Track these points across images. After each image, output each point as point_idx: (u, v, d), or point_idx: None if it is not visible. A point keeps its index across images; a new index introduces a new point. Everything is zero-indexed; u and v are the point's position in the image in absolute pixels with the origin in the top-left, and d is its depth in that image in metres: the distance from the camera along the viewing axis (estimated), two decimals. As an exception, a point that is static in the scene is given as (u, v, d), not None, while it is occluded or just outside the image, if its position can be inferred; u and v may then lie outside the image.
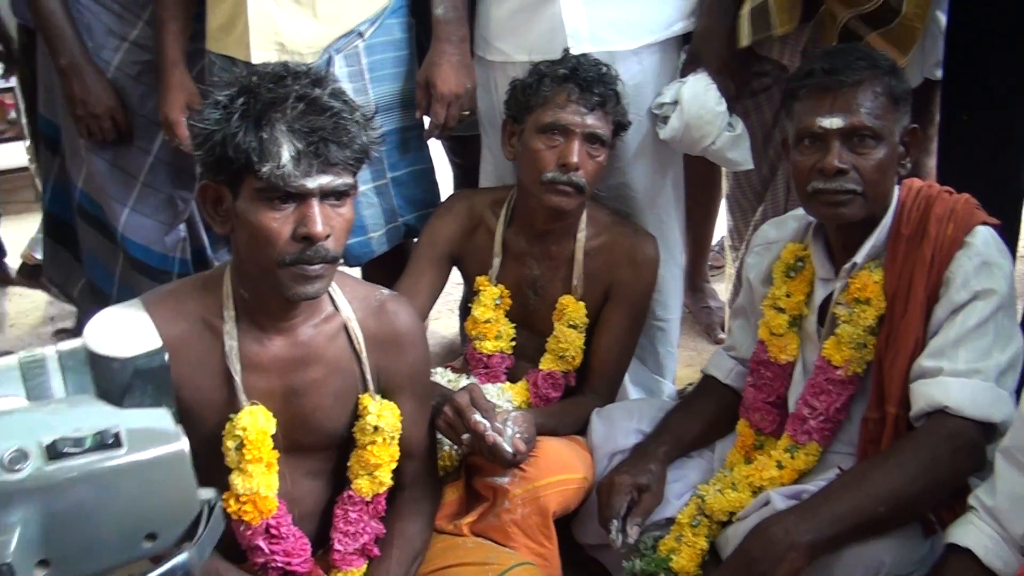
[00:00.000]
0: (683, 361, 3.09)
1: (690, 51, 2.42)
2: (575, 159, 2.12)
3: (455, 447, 2.08)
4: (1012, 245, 2.55)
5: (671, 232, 2.53)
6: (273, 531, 1.72)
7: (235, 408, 1.68)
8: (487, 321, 2.33)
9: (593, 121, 2.15)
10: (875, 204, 1.85)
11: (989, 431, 1.71)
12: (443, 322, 3.62)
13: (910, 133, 1.89)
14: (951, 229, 1.82)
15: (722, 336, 3.24)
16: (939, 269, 1.81)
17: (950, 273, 1.80)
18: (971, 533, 1.59)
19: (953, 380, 1.72)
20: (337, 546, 1.80)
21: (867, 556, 1.68)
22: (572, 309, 2.30)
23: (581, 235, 2.30)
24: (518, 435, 1.94)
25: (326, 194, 1.56)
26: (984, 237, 1.81)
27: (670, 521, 1.99)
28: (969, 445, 1.69)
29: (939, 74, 2.45)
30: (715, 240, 3.64)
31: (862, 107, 1.80)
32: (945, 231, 1.83)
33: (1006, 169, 2.51)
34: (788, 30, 2.31)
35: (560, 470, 2.01)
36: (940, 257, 1.82)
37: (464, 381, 2.25)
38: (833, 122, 1.81)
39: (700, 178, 3.05)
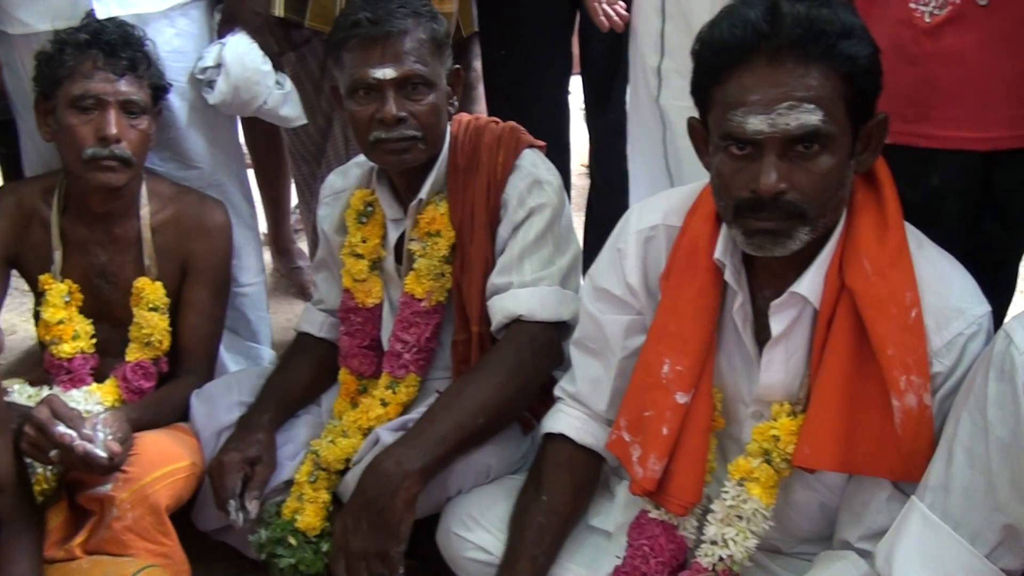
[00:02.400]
0: (284, 325, 3.06)
1: (224, 11, 2.35)
2: (114, 130, 2.00)
3: (48, 468, 1.91)
4: (562, 164, 2.80)
5: (236, 196, 2.47)
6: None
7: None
8: (60, 322, 2.15)
9: (126, 88, 2.04)
10: (436, 146, 1.93)
11: (563, 329, 1.86)
12: (19, 336, 3.28)
13: (454, 74, 1.98)
14: (502, 156, 1.94)
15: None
16: (496, 193, 1.93)
17: (506, 196, 1.92)
18: (561, 419, 1.73)
19: (522, 291, 1.85)
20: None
21: (475, 464, 1.79)
22: (149, 291, 2.18)
23: (144, 211, 2.18)
24: (110, 437, 1.82)
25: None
26: (532, 159, 1.95)
27: (289, 484, 1.97)
28: (547, 345, 1.83)
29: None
30: (295, 201, 3.62)
31: (411, 56, 1.85)
32: (496, 158, 1.94)
33: (547, 93, 2.74)
34: (319, 26, 2.32)
35: (164, 462, 1.91)
36: (495, 182, 1.93)
37: (46, 393, 2.06)
38: (386, 73, 1.84)
39: (261, 139, 3.01)
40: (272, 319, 2.80)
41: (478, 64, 2.75)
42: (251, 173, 2.92)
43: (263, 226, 3.42)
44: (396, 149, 1.87)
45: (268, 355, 2.61)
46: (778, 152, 1.38)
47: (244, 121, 2.80)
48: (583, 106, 3.00)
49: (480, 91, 2.78)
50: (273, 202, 3.29)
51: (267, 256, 3.51)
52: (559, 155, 2.77)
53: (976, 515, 1.23)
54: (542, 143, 2.03)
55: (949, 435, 1.31)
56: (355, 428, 1.97)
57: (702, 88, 1.46)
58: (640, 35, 2.25)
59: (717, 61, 1.42)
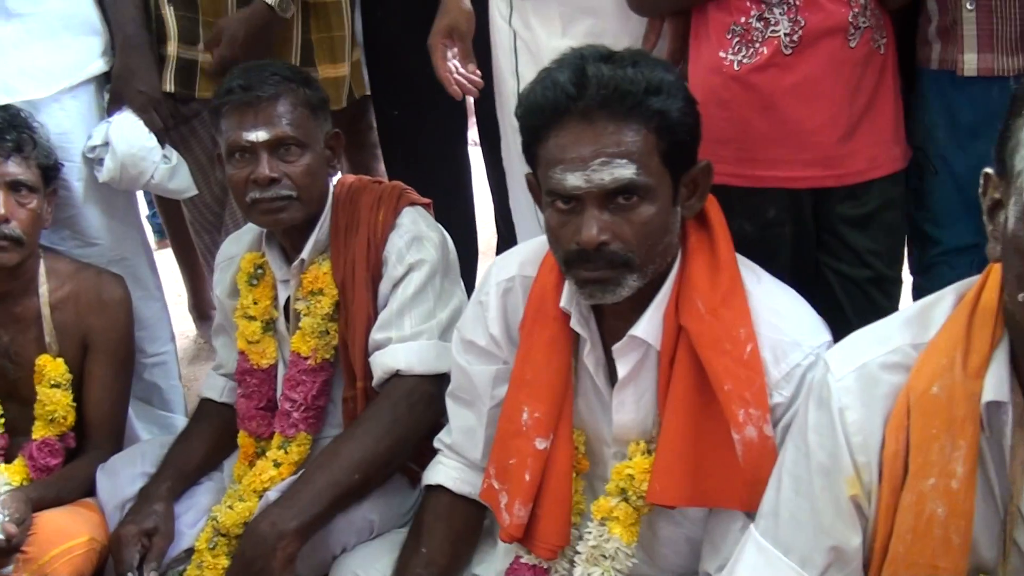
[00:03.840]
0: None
1: (112, 90, 2.41)
2: (2, 210, 2.04)
3: None
4: (466, 216, 2.87)
5: (140, 268, 2.52)
6: None
7: None
8: (-33, 406, 2.18)
9: (13, 168, 2.09)
10: (311, 205, 1.98)
11: (442, 381, 1.90)
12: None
13: (333, 137, 2.04)
14: (382, 214, 2.00)
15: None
16: (376, 251, 1.98)
17: (386, 253, 1.97)
18: (439, 471, 1.77)
19: (400, 346, 1.90)
20: None
21: (357, 520, 1.83)
22: (51, 368, 2.20)
23: (43, 289, 2.21)
24: (8, 519, 1.85)
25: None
26: (412, 216, 2.01)
27: (191, 552, 2.00)
28: (425, 398, 1.87)
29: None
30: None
31: (283, 119, 1.92)
32: (376, 217, 2.00)
33: (444, 149, 2.81)
34: (210, 97, 2.39)
35: (62, 539, 1.94)
36: (375, 240, 1.99)
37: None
38: (258, 135, 1.90)
39: (171, 209, 3.06)
40: (196, 386, 2.83)
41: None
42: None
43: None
44: (271, 208, 1.93)
45: (182, 423, 2.63)
46: (598, 205, 1.44)
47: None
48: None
49: (379, 150, 2.85)
50: (189, 269, 3.33)
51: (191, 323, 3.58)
52: (462, 208, 2.85)
53: (804, 539, 1.28)
54: (427, 200, 2.09)
55: (779, 463, 1.36)
56: (250, 491, 2.00)
57: (528, 147, 1.53)
58: (503, 95, 2.32)
59: (535, 122, 1.49)
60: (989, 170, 1.17)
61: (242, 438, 2.13)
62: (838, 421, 1.24)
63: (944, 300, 1.28)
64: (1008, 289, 1.13)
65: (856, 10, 1.84)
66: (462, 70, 2.27)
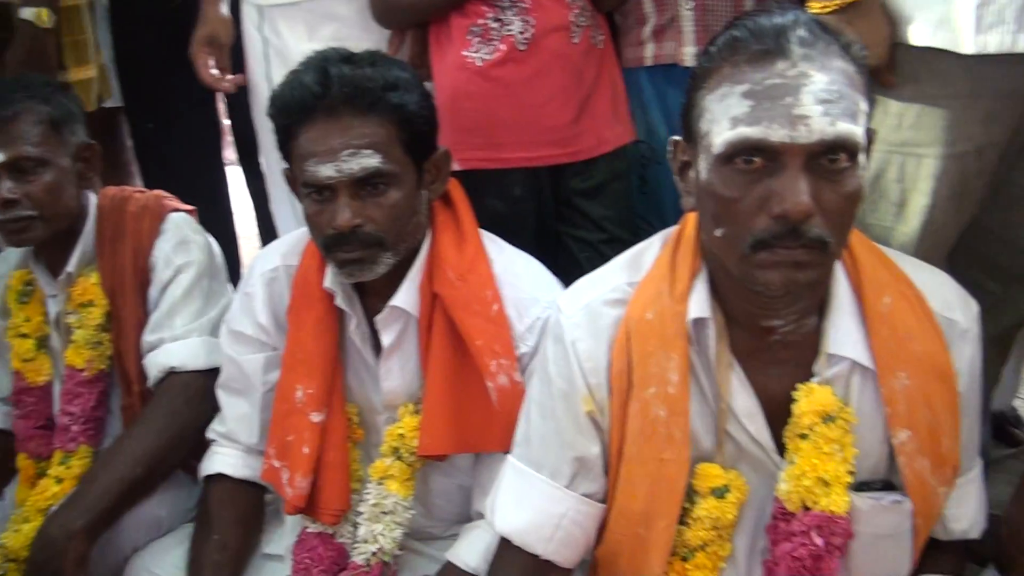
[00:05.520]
0: None
1: None
2: None
3: None
4: (226, 227, 2.93)
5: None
6: None
7: None
8: None
9: None
10: (57, 221, 1.97)
11: (216, 376, 1.93)
12: None
13: (87, 149, 2.05)
14: (147, 222, 2.04)
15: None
16: (144, 257, 2.02)
17: (153, 258, 2.01)
18: (217, 460, 1.84)
19: (173, 344, 1.95)
20: None
21: (145, 517, 1.87)
22: None
23: None
24: None
25: None
26: (176, 221, 2.06)
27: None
28: (201, 392, 1.92)
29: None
30: None
31: (23, 139, 1.91)
32: (142, 225, 2.04)
33: (200, 162, 2.86)
34: None
35: None
36: (142, 248, 2.02)
37: None
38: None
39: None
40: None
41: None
42: None
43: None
44: (13, 229, 1.94)
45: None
46: (350, 193, 1.58)
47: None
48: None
49: (135, 166, 2.86)
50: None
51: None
52: (223, 219, 2.90)
53: (552, 455, 1.45)
54: (190, 207, 2.15)
55: (527, 397, 1.54)
56: (35, 511, 1.98)
57: (282, 145, 1.66)
58: (257, 100, 2.42)
59: (286, 121, 1.62)
60: (677, 138, 1.39)
61: (21, 460, 2.11)
62: (571, 351, 1.43)
63: (652, 245, 1.51)
64: (704, 227, 1.35)
65: (576, 11, 2.11)
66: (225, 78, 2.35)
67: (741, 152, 1.23)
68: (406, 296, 1.68)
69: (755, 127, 1.21)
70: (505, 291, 1.67)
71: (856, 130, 1.22)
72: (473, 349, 1.62)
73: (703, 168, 1.30)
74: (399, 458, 1.69)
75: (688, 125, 1.35)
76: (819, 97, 1.20)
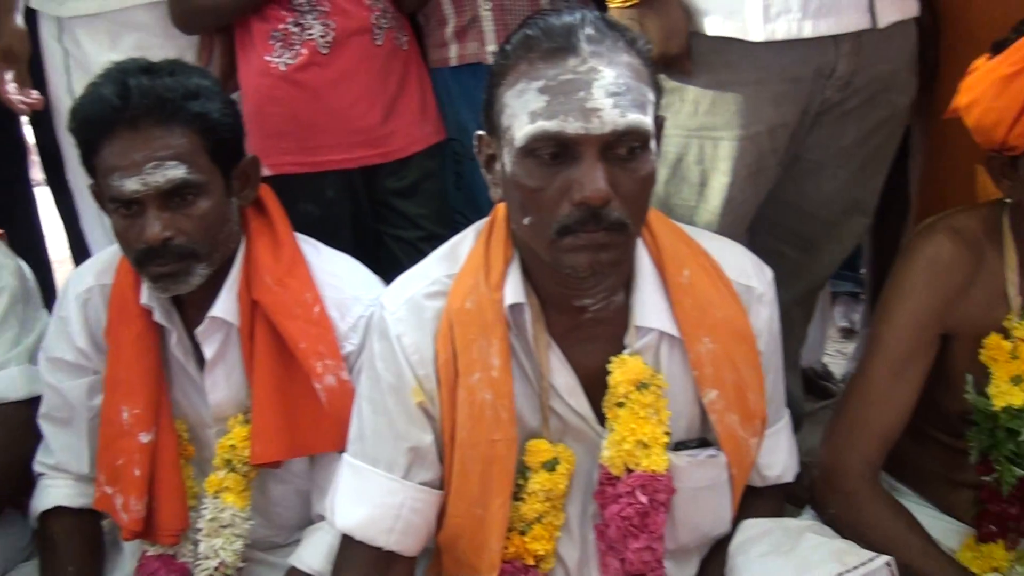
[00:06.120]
0: None
1: None
2: None
3: None
4: (37, 248, 2.81)
5: None
6: None
7: None
8: None
9: None
10: None
11: (38, 404, 1.88)
12: None
13: None
14: None
15: None
16: None
17: None
18: (50, 493, 1.79)
19: (-13, 377, 1.87)
20: None
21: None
22: None
23: None
24: None
25: None
26: None
27: None
28: (24, 423, 1.83)
29: None
30: None
31: None
32: None
33: (4, 184, 2.74)
34: None
35: None
36: None
37: None
38: None
39: None
40: None
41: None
42: None
43: None
44: None
45: None
46: (158, 205, 1.56)
47: None
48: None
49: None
50: None
51: None
52: (33, 240, 2.80)
53: (386, 448, 1.48)
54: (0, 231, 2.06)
55: (358, 395, 1.56)
56: None
57: (86, 159, 1.62)
58: (60, 114, 2.34)
59: (88, 135, 1.58)
60: (481, 132, 1.45)
61: None
62: (397, 346, 1.47)
63: (467, 237, 1.57)
64: (513, 217, 1.42)
65: (377, 13, 2.14)
66: (21, 94, 2.26)
67: (541, 144, 1.30)
68: (224, 305, 1.67)
69: (552, 120, 1.28)
70: (326, 292, 1.68)
71: (645, 119, 1.31)
72: (298, 352, 1.63)
73: (507, 161, 1.36)
74: (233, 469, 1.68)
75: (490, 120, 1.41)
76: (609, 91, 1.28)
